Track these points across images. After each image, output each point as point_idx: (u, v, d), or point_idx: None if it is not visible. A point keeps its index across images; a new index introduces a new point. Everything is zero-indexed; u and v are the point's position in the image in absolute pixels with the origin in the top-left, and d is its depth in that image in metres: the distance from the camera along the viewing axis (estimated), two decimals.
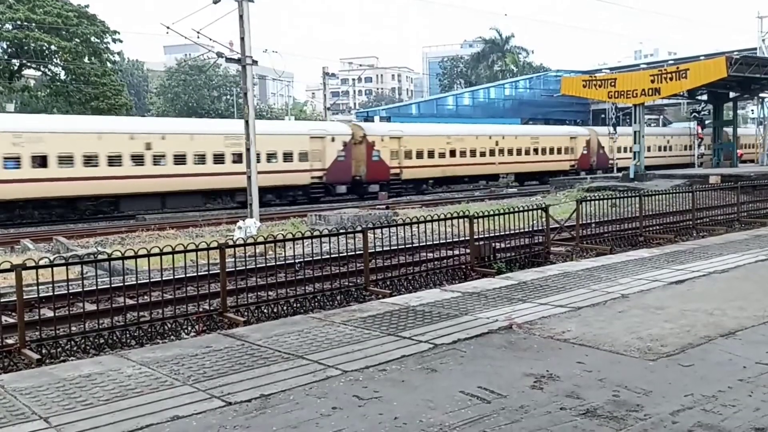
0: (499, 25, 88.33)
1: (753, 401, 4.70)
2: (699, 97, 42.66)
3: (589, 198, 16.54)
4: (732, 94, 41.41)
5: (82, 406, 4.93)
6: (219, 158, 30.57)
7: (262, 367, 5.75)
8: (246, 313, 9.44)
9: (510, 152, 43.28)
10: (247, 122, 21.75)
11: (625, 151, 46.82)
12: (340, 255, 11.05)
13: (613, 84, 35.31)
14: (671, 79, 32.79)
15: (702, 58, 43.73)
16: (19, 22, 42.20)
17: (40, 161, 26.46)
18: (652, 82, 33.31)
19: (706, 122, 45.06)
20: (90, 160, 27.52)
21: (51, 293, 8.61)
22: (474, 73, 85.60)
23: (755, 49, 50.29)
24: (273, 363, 5.88)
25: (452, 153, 39.93)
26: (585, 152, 48.90)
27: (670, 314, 7.22)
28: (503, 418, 4.50)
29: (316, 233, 10.62)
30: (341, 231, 11.28)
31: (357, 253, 11.39)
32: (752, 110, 74.20)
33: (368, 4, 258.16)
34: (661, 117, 69.83)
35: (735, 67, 30.88)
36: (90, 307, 9.27)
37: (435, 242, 13.08)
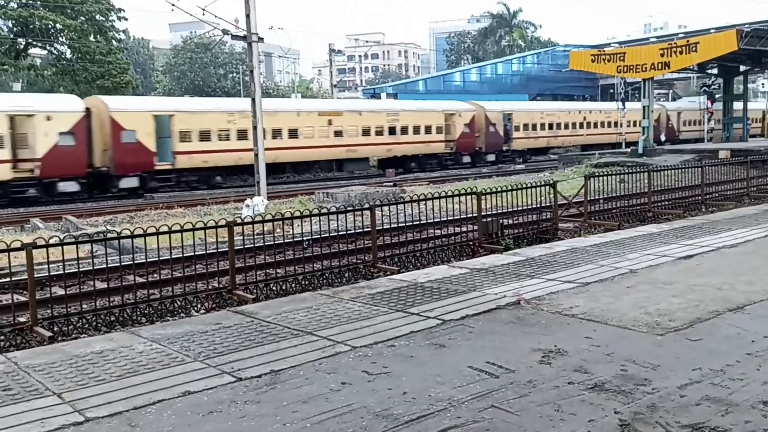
0: None
1: (761, 375, 4.72)
2: (709, 71, 42.13)
3: (597, 174, 16.47)
4: (743, 68, 40.86)
5: (95, 382, 4.99)
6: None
7: (271, 344, 5.80)
8: (255, 291, 9.50)
9: None
10: (253, 100, 21.69)
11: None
12: (348, 232, 11.08)
13: (622, 58, 34.89)
14: (681, 52, 32.38)
15: (712, 31, 43.14)
16: (24, 0, 42.01)
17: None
18: (662, 55, 32.90)
19: (716, 96, 44.60)
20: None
21: (62, 272, 8.68)
22: (481, 49, 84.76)
23: (767, 21, 49.58)
24: (282, 339, 5.92)
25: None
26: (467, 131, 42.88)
27: (678, 289, 7.22)
28: (511, 392, 4.53)
29: (323, 211, 10.63)
30: (349, 208, 11.30)
31: (365, 230, 11.40)
32: (763, 84, 73.36)
33: None
34: (671, 91, 69.16)
35: (746, 40, 30.44)
36: (100, 285, 9.34)
37: (442, 219, 13.08)
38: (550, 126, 47.99)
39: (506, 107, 45.96)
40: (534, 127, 46.77)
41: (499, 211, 13.64)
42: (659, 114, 53.23)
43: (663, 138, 52.16)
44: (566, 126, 48.97)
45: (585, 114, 51.00)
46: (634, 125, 49.31)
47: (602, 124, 51.54)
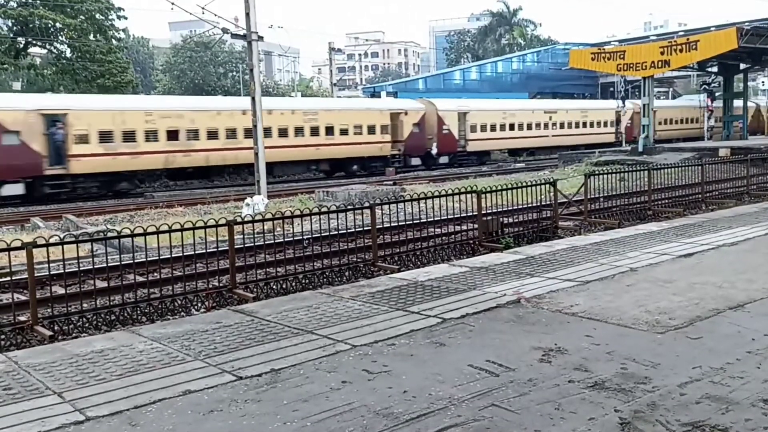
0: None
1: (761, 373, 4.72)
2: (709, 69, 42.15)
3: (597, 172, 16.46)
4: (743, 66, 40.90)
5: (96, 381, 4.99)
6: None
7: (272, 342, 5.80)
8: (255, 290, 9.49)
9: None
10: (253, 99, 21.67)
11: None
12: (348, 231, 11.08)
13: (622, 56, 34.89)
14: (681, 50, 32.39)
15: (712, 29, 43.14)
16: None
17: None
18: (662, 53, 32.90)
19: (716, 94, 44.60)
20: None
21: (62, 271, 8.68)
22: (481, 47, 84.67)
23: (767, 19, 49.53)
24: (283, 338, 5.93)
25: None
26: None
27: (678, 287, 7.23)
28: (512, 390, 4.54)
29: (324, 209, 10.63)
30: (349, 207, 11.29)
31: (365, 229, 11.41)
32: (762, 82, 73.31)
33: None
34: (671, 89, 69.10)
35: (746, 38, 30.48)
36: (101, 284, 9.34)
37: (443, 218, 13.08)
38: (213, 134, 30.14)
39: (115, 105, 28.80)
40: (175, 134, 29.28)
41: (499, 210, 13.64)
42: (422, 115, 38.79)
43: (435, 150, 39.04)
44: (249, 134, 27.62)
45: (274, 116, 31.55)
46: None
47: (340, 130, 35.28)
